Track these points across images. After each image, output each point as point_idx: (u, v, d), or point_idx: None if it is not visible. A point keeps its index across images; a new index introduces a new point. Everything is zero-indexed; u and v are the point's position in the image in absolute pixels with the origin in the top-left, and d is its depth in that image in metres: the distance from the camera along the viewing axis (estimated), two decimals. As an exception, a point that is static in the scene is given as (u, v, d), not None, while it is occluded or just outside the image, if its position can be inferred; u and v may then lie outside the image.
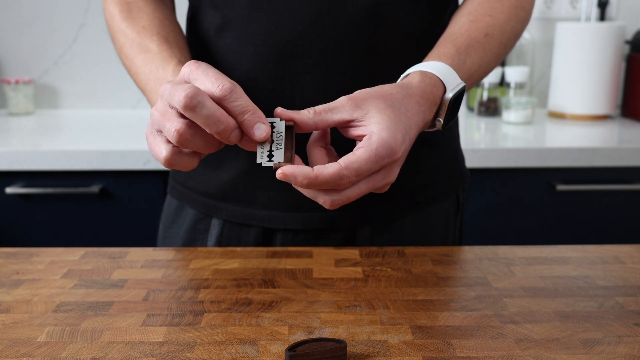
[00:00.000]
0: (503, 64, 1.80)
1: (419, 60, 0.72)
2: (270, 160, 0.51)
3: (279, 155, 0.51)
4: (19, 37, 1.80)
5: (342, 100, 0.54)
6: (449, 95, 0.60)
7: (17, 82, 1.72)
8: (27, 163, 1.33)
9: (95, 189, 1.35)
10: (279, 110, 0.54)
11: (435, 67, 0.60)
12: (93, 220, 1.39)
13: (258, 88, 0.72)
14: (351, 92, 0.70)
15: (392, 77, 0.72)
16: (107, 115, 1.77)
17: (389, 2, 0.70)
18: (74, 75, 1.83)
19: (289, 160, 0.52)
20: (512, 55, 1.81)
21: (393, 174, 0.54)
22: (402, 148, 0.53)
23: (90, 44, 1.80)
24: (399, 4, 0.70)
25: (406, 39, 0.72)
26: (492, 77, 1.69)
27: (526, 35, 1.80)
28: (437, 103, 0.60)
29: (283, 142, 0.52)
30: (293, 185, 0.52)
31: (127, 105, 1.85)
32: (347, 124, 0.54)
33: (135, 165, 1.34)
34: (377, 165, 0.52)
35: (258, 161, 0.52)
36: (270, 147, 0.52)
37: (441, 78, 0.60)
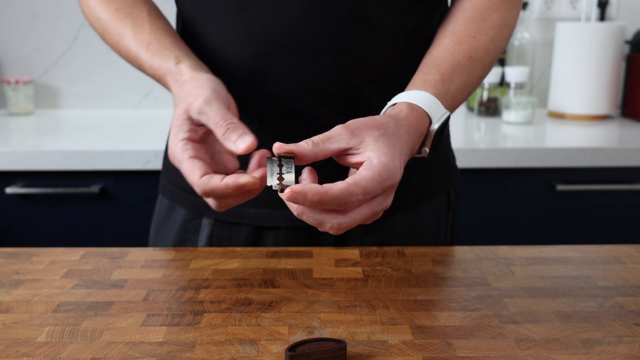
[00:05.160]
0: (503, 64, 1.80)
1: (404, 61, 0.73)
2: (280, 184, 0.53)
3: (289, 178, 0.52)
4: (19, 37, 1.80)
5: (337, 129, 0.55)
6: (435, 126, 0.62)
7: (17, 82, 1.72)
8: (27, 163, 1.33)
9: (95, 189, 1.35)
10: (277, 145, 0.53)
11: (421, 99, 0.62)
12: (93, 220, 1.39)
13: (243, 86, 0.72)
14: (336, 92, 0.71)
15: (376, 77, 0.72)
16: (107, 115, 1.77)
17: (374, 2, 0.70)
18: (74, 75, 1.83)
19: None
20: (512, 55, 1.81)
21: (389, 199, 0.55)
22: (400, 173, 0.55)
23: (90, 44, 1.80)
24: (384, 4, 0.71)
25: (392, 40, 0.73)
26: (492, 77, 1.69)
27: (526, 35, 1.80)
28: (424, 135, 0.62)
29: (293, 164, 0.53)
30: (300, 204, 0.51)
31: (127, 105, 1.85)
32: (344, 152, 0.55)
33: (135, 165, 1.34)
34: (381, 187, 0.52)
35: (269, 184, 0.53)
36: (280, 170, 0.53)
37: (427, 111, 0.62)
